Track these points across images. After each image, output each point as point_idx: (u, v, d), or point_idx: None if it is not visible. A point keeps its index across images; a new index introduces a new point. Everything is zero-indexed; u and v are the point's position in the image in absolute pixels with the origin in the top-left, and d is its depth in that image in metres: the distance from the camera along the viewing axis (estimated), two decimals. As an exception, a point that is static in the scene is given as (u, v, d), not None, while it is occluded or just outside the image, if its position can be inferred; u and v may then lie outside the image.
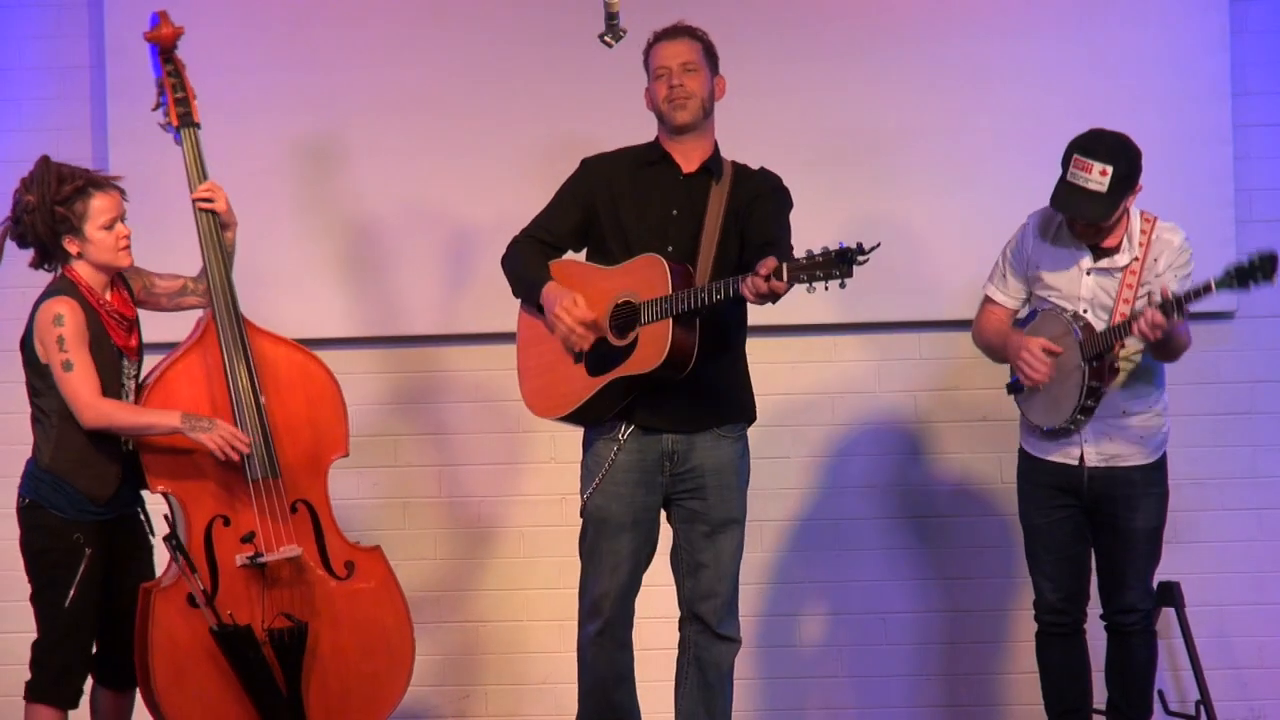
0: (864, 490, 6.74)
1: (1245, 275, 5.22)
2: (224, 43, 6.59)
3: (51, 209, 5.43)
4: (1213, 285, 5.27)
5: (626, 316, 5.39)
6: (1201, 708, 6.40)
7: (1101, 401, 5.56)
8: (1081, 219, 5.53)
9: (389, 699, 5.73)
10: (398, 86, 6.66)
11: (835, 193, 6.62)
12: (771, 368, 6.71)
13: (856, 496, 6.74)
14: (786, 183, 5.60)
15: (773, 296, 5.19)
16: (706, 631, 5.56)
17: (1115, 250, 5.60)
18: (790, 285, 5.16)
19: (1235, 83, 6.65)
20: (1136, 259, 5.58)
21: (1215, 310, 6.60)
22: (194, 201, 5.63)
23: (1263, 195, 6.70)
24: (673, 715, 5.64)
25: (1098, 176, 5.46)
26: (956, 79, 6.62)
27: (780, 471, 6.73)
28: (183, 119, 5.70)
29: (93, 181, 5.48)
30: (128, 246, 5.52)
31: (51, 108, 6.77)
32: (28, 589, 5.53)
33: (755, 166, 5.61)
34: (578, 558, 5.58)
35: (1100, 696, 5.88)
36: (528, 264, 5.53)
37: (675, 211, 5.48)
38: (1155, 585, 6.44)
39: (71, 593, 5.41)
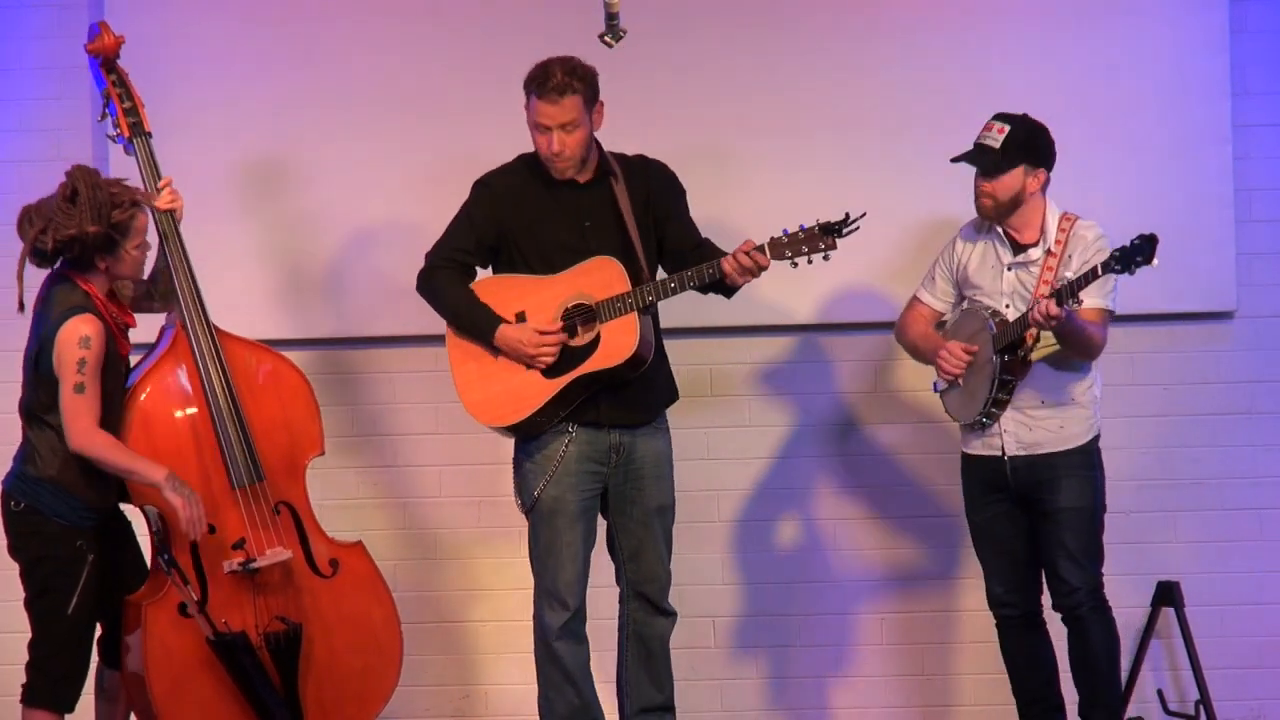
0: (863, 490, 6.73)
1: (1127, 258, 5.37)
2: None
3: (108, 235, 5.37)
4: (1099, 269, 5.42)
5: (578, 317, 5.52)
6: (1201, 708, 6.41)
7: (1016, 394, 5.68)
8: (971, 162, 5.71)
9: (381, 693, 5.75)
10: (394, 85, 6.65)
11: (833, 192, 6.60)
12: (771, 368, 6.71)
13: (855, 496, 6.73)
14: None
15: (754, 275, 5.42)
16: (648, 608, 5.72)
17: (1033, 245, 5.73)
18: (774, 260, 5.37)
19: (1235, 83, 6.64)
20: (1051, 253, 5.69)
21: (1215, 310, 6.60)
22: (160, 210, 5.61)
23: (1263, 195, 6.70)
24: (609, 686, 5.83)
25: (995, 134, 5.72)
26: (955, 78, 6.61)
27: (779, 471, 6.73)
28: (134, 129, 5.73)
29: (135, 201, 5.43)
30: (144, 263, 5.54)
31: (51, 108, 6.76)
32: (16, 589, 5.51)
33: (642, 156, 5.78)
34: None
35: (1073, 697, 5.88)
36: (462, 299, 5.64)
37: (588, 223, 5.63)
38: (1156, 585, 6.50)
39: (75, 599, 5.40)
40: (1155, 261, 5.34)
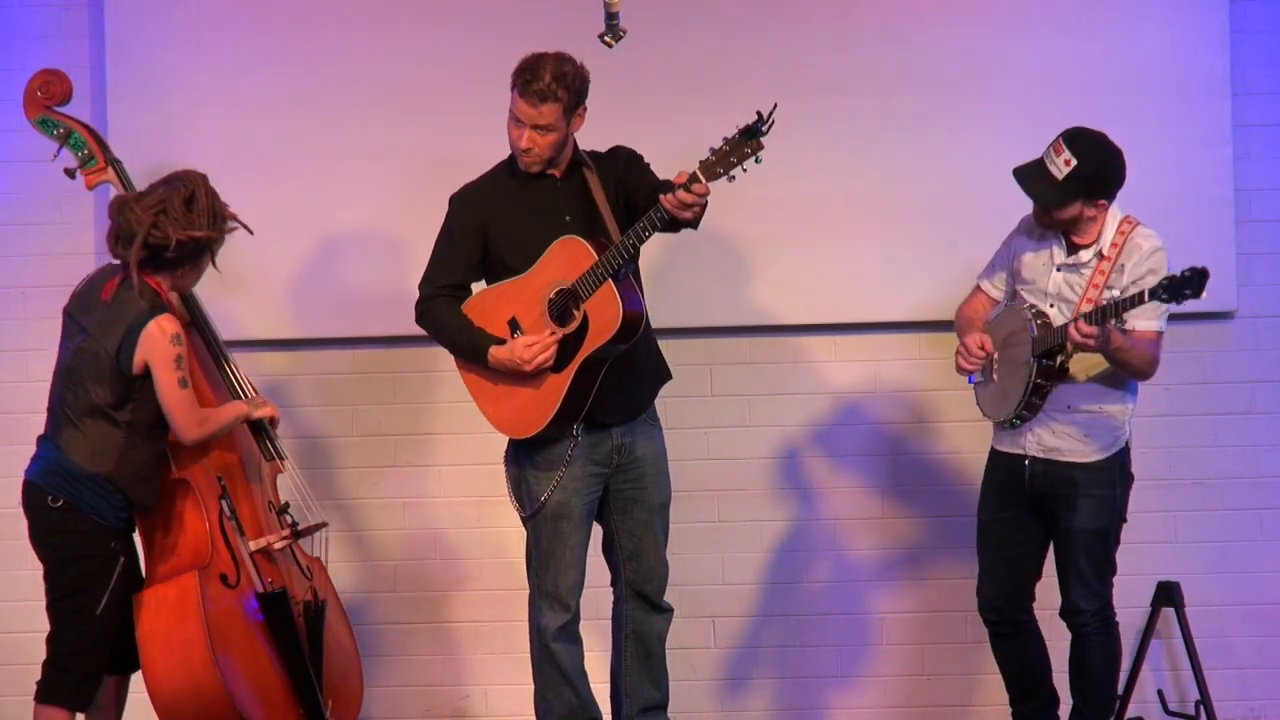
0: (863, 490, 6.73)
1: (1176, 289, 5.29)
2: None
3: (212, 245, 5.47)
4: (1145, 295, 5.33)
5: (565, 303, 5.50)
6: (1201, 708, 6.41)
7: (1048, 399, 5.63)
8: (1027, 191, 5.61)
9: (357, 699, 5.82)
10: (394, 84, 6.66)
11: (832, 192, 6.61)
12: (771, 368, 6.71)
13: (855, 497, 6.73)
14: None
15: (700, 205, 5.33)
16: (646, 606, 5.72)
17: (1086, 248, 5.65)
18: (710, 181, 5.29)
19: (1235, 83, 6.64)
20: (1105, 257, 5.62)
21: (1215, 310, 6.60)
22: None
23: (1263, 195, 6.70)
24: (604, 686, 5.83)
25: (1061, 164, 5.55)
26: (955, 78, 6.61)
27: (779, 471, 6.73)
28: (109, 158, 5.84)
29: (233, 216, 5.53)
30: None
31: (51, 108, 6.76)
32: (28, 588, 5.50)
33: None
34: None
35: (1065, 698, 5.89)
36: (457, 329, 5.64)
37: (568, 217, 5.60)
38: (1156, 585, 6.50)
39: (105, 600, 5.40)
40: (1204, 295, 5.25)
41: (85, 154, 5.86)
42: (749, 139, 5.26)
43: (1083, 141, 5.56)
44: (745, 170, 5.30)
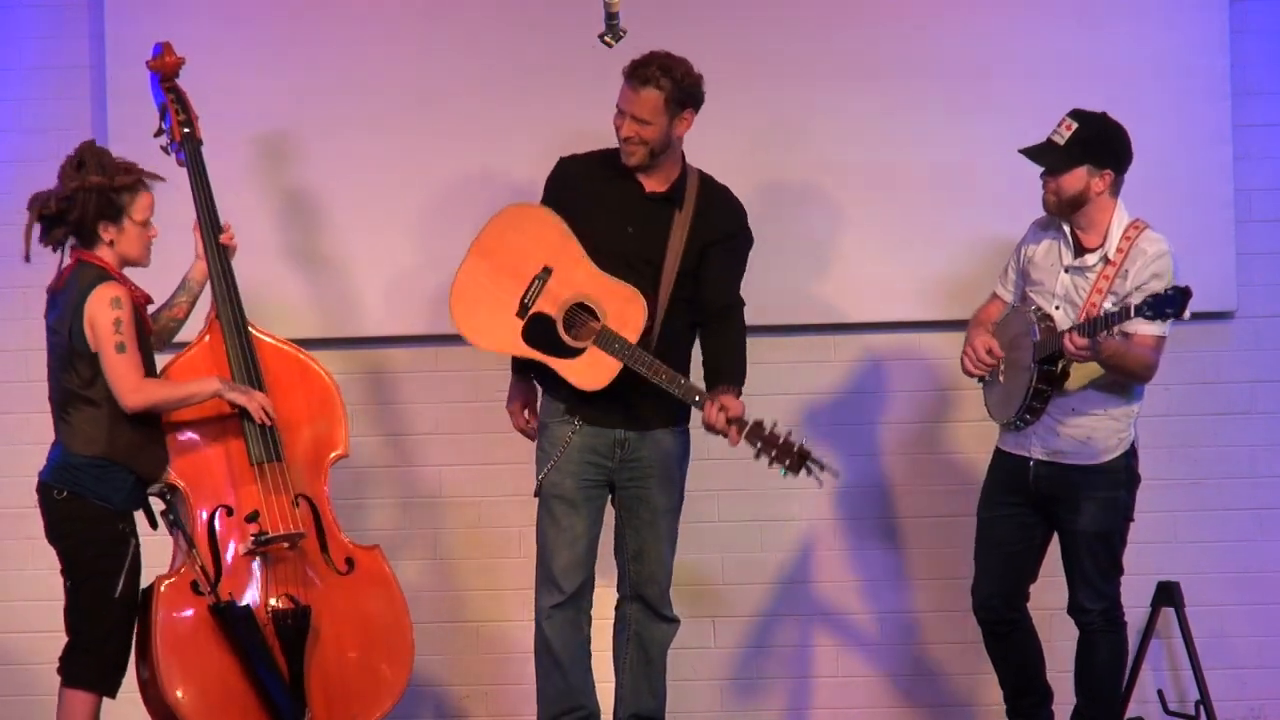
0: (863, 490, 6.73)
1: (1158, 306, 5.31)
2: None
3: (109, 192, 5.46)
4: (1130, 310, 5.36)
5: (581, 323, 5.57)
6: (1201, 707, 6.41)
7: (1050, 402, 5.63)
8: (1032, 159, 5.64)
9: (388, 696, 5.77)
10: (397, 85, 6.66)
11: (833, 193, 6.61)
12: (771, 368, 6.71)
13: (856, 496, 6.73)
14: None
15: (726, 438, 5.54)
16: (648, 612, 5.75)
17: (1092, 251, 5.65)
18: (744, 441, 5.50)
19: (1235, 83, 6.65)
20: (1110, 262, 5.62)
21: (1215, 310, 6.60)
22: (219, 244, 5.80)
23: (1263, 195, 6.70)
24: (610, 686, 5.84)
25: (1062, 130, 5.62)
26: (955, 78, 6.61)
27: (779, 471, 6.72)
28: (185, 137, 5.85)
29: (143, 179, 5.55)
30: (150, 247, 5.60)
31: (51, 108, 6.76)
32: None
33: (722, 182, 5.76)
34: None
35: (1066, 696, 5.89)
36: None
37: (630, 229, 5.63)
38: (1156, 585, 6.50)
39: (121, 582, 5.42)
40: (1187, 315, 5.30)
41: (169, 132, 5.89)
42: (801, 460, 5.50)
43: (1085, 113, 5.64)
44: (770, 466, 5.49)
